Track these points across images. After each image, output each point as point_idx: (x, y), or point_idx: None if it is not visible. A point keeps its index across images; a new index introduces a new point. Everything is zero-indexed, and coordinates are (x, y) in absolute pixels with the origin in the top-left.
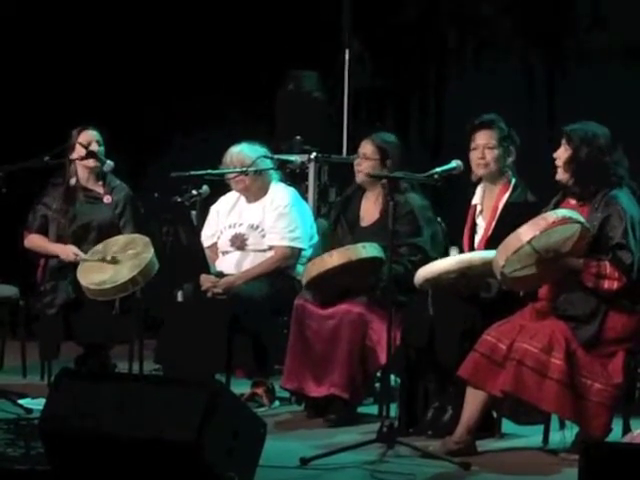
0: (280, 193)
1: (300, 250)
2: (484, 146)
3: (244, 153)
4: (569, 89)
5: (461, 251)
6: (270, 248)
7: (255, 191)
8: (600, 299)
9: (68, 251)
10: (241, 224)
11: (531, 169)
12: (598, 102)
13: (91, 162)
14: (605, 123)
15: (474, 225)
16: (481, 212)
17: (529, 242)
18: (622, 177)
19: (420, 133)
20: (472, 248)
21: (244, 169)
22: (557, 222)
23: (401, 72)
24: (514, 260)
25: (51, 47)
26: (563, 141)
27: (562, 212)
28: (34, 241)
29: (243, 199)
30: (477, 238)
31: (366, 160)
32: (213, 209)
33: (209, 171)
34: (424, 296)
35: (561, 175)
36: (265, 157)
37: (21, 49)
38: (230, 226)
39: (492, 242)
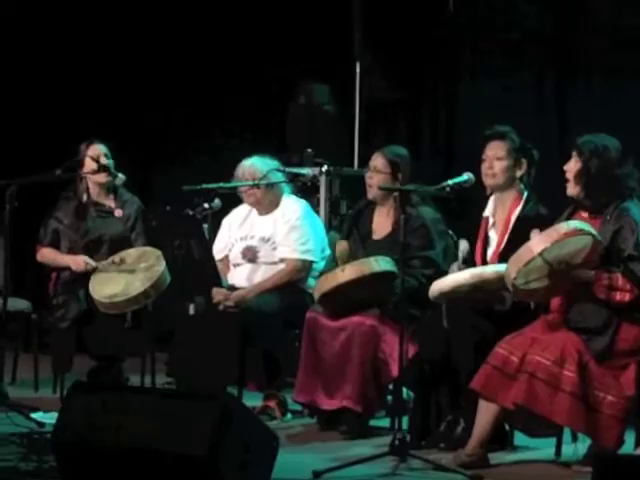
0: (292, 206)
1: (311, 262)
2: (493, 157)
3: (256, 166)
4: (581, 100)
5: (470, 245)
6: (281, 261)
7: (267, 204)
8: (612, 311)
9: (79, 261)
10: (252, 237)
11: (542, 182)
12: (610, 114)
13: (103, 176)
14: (617, 135)
15: (486, 238)
16: (493, 225)
17: (540, 254)
18: (633, 189)
19: (432, 145)
20: (485, 261)
21: (255, 182)
22: (569, 234)
23: (413, 84)
24: (526, 272)
25: (58, 61)
26: (573, 153)
27: (574, 224)
28: (46, 255)
29: (255, 212)
30: (490, 251)
31: (377, 173)
32: (225, 222)
33: (221, 184)
34: (438, 309)
35: (572, 189)
36: (277, 170)
37: (28, 63)
38: (242, 238)
39: (505, 255)
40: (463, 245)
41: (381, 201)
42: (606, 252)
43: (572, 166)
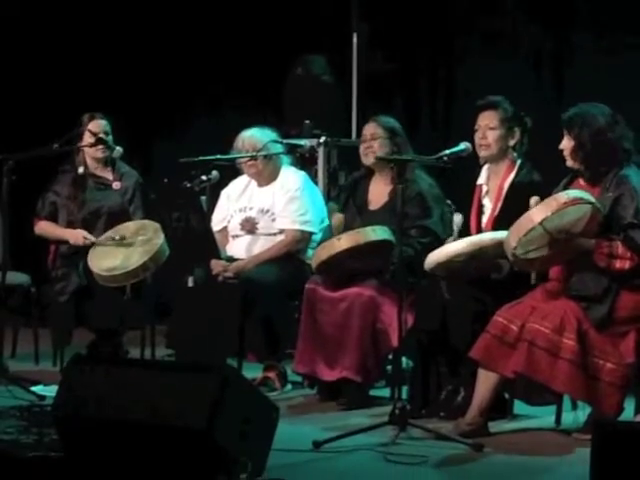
0: (291, 177)
1: (310, 234)
2: (485, 127)
3: (255, 137)
4: (578, 70)
5: (465, 214)
6: (280, 232)
7: (266, 175)
8: (612, 279)
9: (78, 235)
10: (251, 208)
11: (540, 150)
12: (607, 82)
13: (100, 151)
14: (614, 105)
15: (480, 206)
16: (487, 193)
17: (541, 223)
18: (630, 151)
19: (430, 116)
20: (479, 229)
21: (254, 154)
22: (568, 203)
23: (410, 55)
24: (526, 241)
25: (58, 35)
26: (565, 132)
27: (573, 193)
28: (44, 227)
29: (254, 183)
30: (484, 219)
31: (376, 140)
32: (223, 193)
33: (218, 156)
34: (436, 279)
35: (571, 163)
36: (275, 142)
37: (29, 40)
38: (240, 210)
39: (499, 222)
40: (458, 219)
41: (379, 169)
42: (606, 220)
43: (566, 144)
